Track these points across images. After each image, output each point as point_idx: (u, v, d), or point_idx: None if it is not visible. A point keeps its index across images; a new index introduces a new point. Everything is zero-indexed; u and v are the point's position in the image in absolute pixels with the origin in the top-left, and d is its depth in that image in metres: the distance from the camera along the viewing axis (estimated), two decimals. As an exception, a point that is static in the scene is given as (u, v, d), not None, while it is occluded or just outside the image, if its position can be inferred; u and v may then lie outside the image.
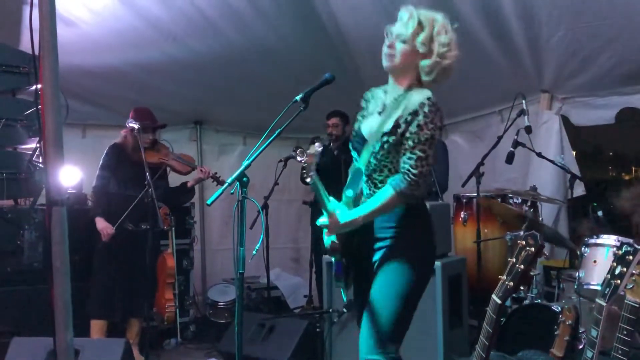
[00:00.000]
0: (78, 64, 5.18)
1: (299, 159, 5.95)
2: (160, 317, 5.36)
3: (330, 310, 4.56)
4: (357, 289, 2.91)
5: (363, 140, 2.77)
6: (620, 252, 2.23)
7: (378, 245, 2.72)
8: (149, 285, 4.89)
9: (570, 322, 2.50)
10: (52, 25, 2.20)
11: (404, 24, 2.70)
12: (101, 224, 4.83)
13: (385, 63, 2.75)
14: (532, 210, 4.53)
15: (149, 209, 4.55)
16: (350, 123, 5.88)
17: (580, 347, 2.94)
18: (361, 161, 2.73)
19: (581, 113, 5.56)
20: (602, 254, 3.63)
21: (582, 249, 3.79)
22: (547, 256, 4.39)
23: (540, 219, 4.77)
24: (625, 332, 2.20)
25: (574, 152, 5.89)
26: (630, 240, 3.46)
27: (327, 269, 4.65)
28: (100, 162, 5.00)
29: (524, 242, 2.29)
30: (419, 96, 2.62)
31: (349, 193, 2.76)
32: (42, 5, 2.17)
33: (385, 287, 2.65)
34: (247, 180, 2.78)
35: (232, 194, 2.78)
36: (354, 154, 2.86)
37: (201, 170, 5.25)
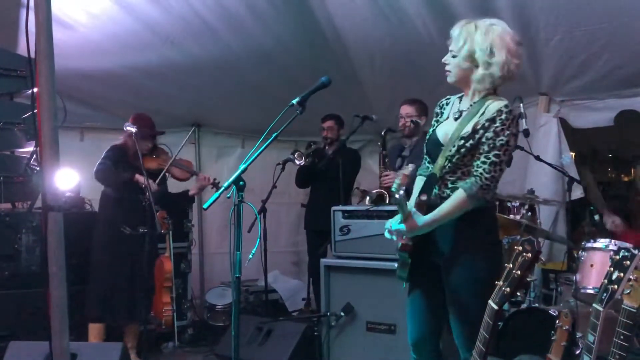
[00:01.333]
0: (76, 67, 5.18)
1: (297, 162, 6.03)
2: (157, 321, 5.35)
3: (328, 313, 4.56)
4: (416, 285, 2.97)
5: (438, 145, 2.84)
6: (617, 257, 2.23)
7: (443, 246, 2.81)
8: (147, 289, 4.89)
9: (567, 327, 2.50)
10: (49, 29, 2.20)
11: (455, 38, 2.78)
12: (142, 178, 4.74)
13: (448, 80, 2.85)
14: (529, 214, 4.52)
15: (147, 212, 4.55)
16: (345, 126, 5.88)
17: (577, 352, 2.93)
18: (436, 166, 2.80)
19: (579, 115, 5.56)
20: (599, 258, 3.63)
21: (580, 252, 3.79)
22: (543, 262, 4.39)
23: (539, 222, 4.77)
24: (622, 337, 2.19)
25: (572, 154, 5.89)
26: (628, 245, 3.46)
27: (324, 272, 4.65)
28: (102, 156, 4.95)
29: (520, 248, 2.29)
30: (496, 104, 2.71)
31: (423, 198, 2.82)
32: (38, 9, 2.17)
33: (459, 293, 2.76)
34: (243, 184, 2.79)
35: (228, 198, 2.79)
36: (426, 157, 2.96)
37: (202, 179, 5.23)
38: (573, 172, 5.24)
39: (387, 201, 4.64)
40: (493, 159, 2.66)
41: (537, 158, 4.84)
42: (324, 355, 4.60)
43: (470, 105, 2.79)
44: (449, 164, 2.75)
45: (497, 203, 4.73)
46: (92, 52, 5.14)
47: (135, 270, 4.80)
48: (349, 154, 5.95)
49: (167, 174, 5.19)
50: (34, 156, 4.37)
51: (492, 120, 2.67)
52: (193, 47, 5.28)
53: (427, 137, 2.97)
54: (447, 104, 2.98)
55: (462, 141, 2.71)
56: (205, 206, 2.82)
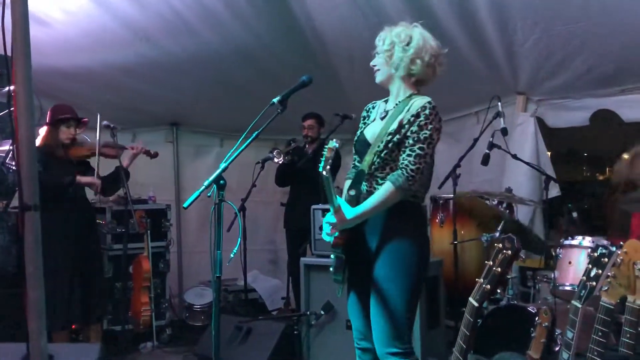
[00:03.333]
0: (52, 64, 5.12)
1: (275, 160, 6.01)
2: (135, 321, 5.31)
3: (308, 312, 4.56)
4: (352, 284, 3.04)
5: (366, 144, 2.96)
6: (595, 255, 2.25)
7: (372, 239, 2.89)
8: (102, 289, 4.81)
9: (546, 324, 2.52)
10: (25, 26, 2.18)
11: (378, 41, 3.00)
12: (85, 178, 4.68)
13: (376, 80, 3.02)
14: (507, 211, 4.56)
15: (124, 211, 4.52)
16: (326, 125, 5.88)
17: (557, 348, 2.96)
18: (364, 162, 2.92)
19: (556, 115, 5.61)
20: (577, 255, 3.67)
21: (557, 250, 3.82)
22: (523, 259, 4.43)
23: (516, 219, 4.80)
24: (600, 334, 2.22)
25: (549, 153, 5.94)
26: (605, 242, 3.50)
27: (304, 271, 4.65)
28: None
29: (500, 245, 2.31)
30: (420, 101, 2.85)
31: (352, 192, 2.92)
32: (14, 6, 2.14)
33: (390, 273, 2.82)
34: (224, 183, 2.77)
35: (209, 196, 2.77)
36: (355, 157, 3.07)
37: (132, 148, 5.02)
38: (550, 172, 5.29)
39: None
40: (418, 151, 2.78)
41: (515, 157, 4.88)
42: (304, 354, 4.59)
43: (396, 105, 2.94)
44: (378, 160, 2.87)
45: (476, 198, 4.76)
46: (69, 49, 5.09)
47: (83, 271, 4.69)
48: (329, 152, 5.94)
49: (100, 157, 4.92)
50: (10, 155, 4.30)
51: (416, 115, 2.81)
52: (171, 45, 5.24)
53: (355, 138, 3.08)
54: (373, 107, 3.13)
55: (390, 136, 2.84)
56: (185, 205, 2.80)
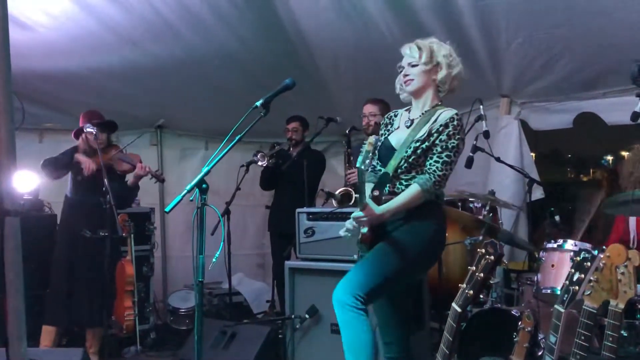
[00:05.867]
0: (35, 68, 5.09)
1: (259, 163, 5.99)
2: (119, 326, 5.27)
3: (293, 316, 4.54)
4: None
5: (391, 150, 3.13)
6: (578, 259, 2.26)
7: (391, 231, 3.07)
8: (106, 295, 4.80)
9: (529, 328, 2.53)
10: (4, 29, 2.15)
11: (407, 54, 3.15)
12: (81, 157, 4.76)
13: (409, 89, 3.17)
14: (491, 214, 4.57)
15: (107, 215, 4.47)
16: (310, 128, 5.87)
17: (540, 353, 2.97)
18: (389, 166, 3.08)
19: (539, 118, 5.65)
20: (559, 258, 3.69)
21: (540, 253, 3.84)
22: (506, 264, 4.45)
23: (500, 222, 4.82)
24: (582, 338, 2.23)
25: (533, 155, 5.97)
26: (588, 246, 3.52)
27: (289, 274, 4.63)
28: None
29: (483, 251, 2.31)
30: (448, 112, 3.06)
31: (375, 193, 3.05)
32: (-6, 9, 2.12)
33: (386, 247, 3.01)
34: (206, 187, 2.76)
35: (191, 200, 2.76)
36: (378, 162, 3.18)
37: (139, 168, 5.04)
38: (534, 174, 5.31)
39: (354, 200, 4.64)
40: (445, 158, 2.99)
41: (498, 160, 4.90)
42: (289, 358, 4.57)
43: (422, 114, 3.13)
44: (405, 164, 3.04)
45: (459, 203, 4.78)
46: (52, 53, 5.05)
47: (95, 274, 4.71)
48: (314, 155, 5.94)
49: (116, 169, 5.03)
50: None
51: (445, 125, 3.00)
52: (155, 48, 5.21)
53: (380, 144, 3.14)
54: (395, 115, 3.31)
55: (418, 143, 3.03)
56: (167, 209, 2.79)
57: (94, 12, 4.68)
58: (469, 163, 4.66)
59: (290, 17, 4.92)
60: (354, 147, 5.33)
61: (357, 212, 2.95)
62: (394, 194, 3.04)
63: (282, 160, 5.84)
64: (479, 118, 4.71)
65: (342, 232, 3.13)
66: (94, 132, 4.71)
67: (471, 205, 4.81)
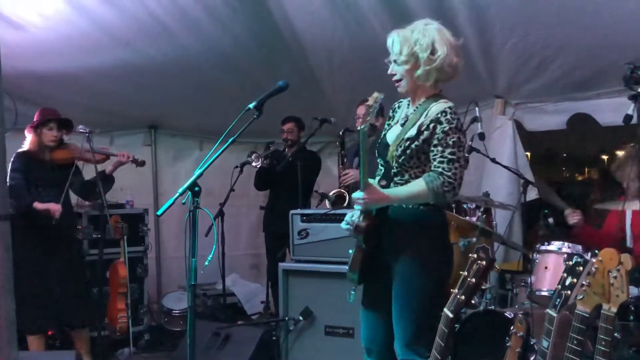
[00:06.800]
0: (28, 68, 5.07)
1: (254, 164, 5.98)
2: (112, 328, 5.26)
3: (287, 318, 4.53)
4: (369, 286, 3.01)
5: (388, 147, 2.92)
6: (570, 263, 2.26)
7: (395, 244, 2.84)
8: (84, 294, 4.78)
9: (521, 333, 2.52)
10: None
11: (390, 49, 2.89)
12: (42, 205, 4.56)
13: (400, 90, 2.94)
14: (484, 215, 4.56)
15: (100, 216, 4.46)
16: (305, 129, 5.86)
17: (532, 358, 2.96)
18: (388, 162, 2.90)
19: (533, 118, 5.65)
20: (553, 260, 3.68)
21: (534, 255, 3.83)
22: (498, 269, 4.44)
23: (494, 223, 4.81)
24: (575, 342, 2.22)
25: (528, 154, 5.97)
26: (580, 250, 3.52)
27: (283, 276, 4.63)
28: (10, 167, 4.64)
29: (475, 256, 2.30)
30: (440, 105, 2.81)
31: (383, 183, 2.89)
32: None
33: (407, 288, 2.79)
34: (199, 190, 2.74)
35: (184, 204, 2.74)
36: (379, 160, 3.00)
37: (120, 155, 4.98)
38: (528, 175, 5.31)
39: (348, 201, 4.63)
40: (450, 156, 2.73)
41: (493, 160, 4.90)
42: (283, 360, 4.58)
43: (415, 109, 2.90)
44: (396, 165, 2.85)
45: (453, 206, 4.77)
46: (45, 53, 5.03)
47: (67, 275, 4.67)
48: (309, 156, 5.93)
49: (81, 163, 4.95)
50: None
51: (437, 121, 2.77)
52: (149, 49, 5.20)
53: (379, 141, 3.05)
54: (399, 107, 3.08)
55: (408, 142, 2.81)
56: (159, 212, 2.77)
57: (87, 12, 4.66)
58: (464, 163, 4.65)
59: (284, 17, 4.92)
60: (347, 149, 5.33)
61: (357, 193, 2.77)
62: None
63: (276, 160, 5.83)
64: (475, 120, 4.70)
65: (344, 225, 2.93)
66: (87, 133, 4.70)
67: (465, 206, 4.80)
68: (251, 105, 2.88)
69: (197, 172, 2.74)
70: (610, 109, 4.94)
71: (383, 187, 2.86)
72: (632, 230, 4.18)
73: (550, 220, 4.31)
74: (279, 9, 4.83)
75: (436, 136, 2.76)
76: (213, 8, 4.76)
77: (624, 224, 4.26)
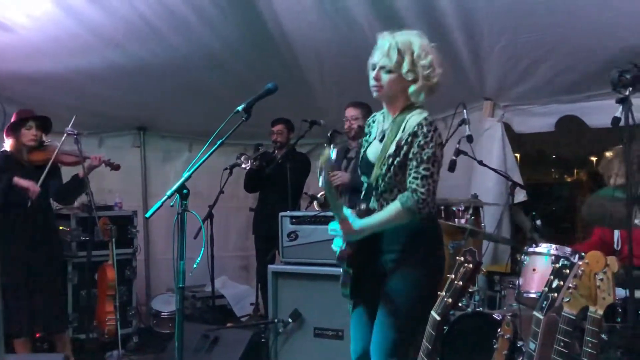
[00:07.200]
0: (16, 69, 5.07)
1: (243, 166, 5.97)
2: (100, 331, 5.24)
3: (276, 320, 4.53)
4: (360, 299, 2.97)
5: (370, 165, 2.87)
6: (557, 266, 2.27)
7: (386, 257, 2.83)
8: (62, 297, 4.72)
9: (508, 336, 2.53)
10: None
11: (384, 53, 2.77)
12: (23, 181, 4.49)
13: (374, 94, 2.85)
14: (473, 217, 4.57)
15: (89, 218, 4.44)
16: (295, 130, 5.86)
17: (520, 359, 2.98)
18: (372, 180, 2.84)
19: (522, 120, 5.66)
20: (541, 262, 3.68)
21: (522, 257, 3.84)
22: (484, 272, 4.46)
23: (483, 225, 4.82)
24: (562, 344, 2.23)
25: (517, 155, 5.99)
26: (568, 252, 3.52)
27: (272, 278, 4.62)
28: None
29: (462, 259, 2.31)
30: (416, 118, 2.76)
31: (362, 206, 2.87)
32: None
33: (395, 298, 2.77)
34: (187, 193, 2.74)
35: (172, 206, 2.73)
36: (363, 178, 2.96)
37: (92, 158, 4.87)
38: (517, 177, 5.33)
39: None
40: (423, 172, 2.70)
41: (481, 163, 4.91)
42: (272, 362, 4.57)
43: (392, 123, 2.84)
44: (382, 183, 2.80)
45: (441, 208, 4.78)
46: (33, 54, 5.02)
47: (39, 278, 4.61)
48: (298, 158, 5.93)
49: (58, 164, 4.87)
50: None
51: (414, 134, 2.72)
52: (138, 50, 5.18)
53: (360, 158, 3.00)
54: (373, 122, 3.03)
55: (390, 159, 2.76)
56: (147, 215, 2.77)
57: (75, 14, 4.65)
58: (452, 166, 4.66)
59: (273, 19, 4.91)
60: (336, 151, 5.33)
61: (334, 224, 2.78)
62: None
63: (266, 162, 5.83)
64: (463, 122, 4.72)
65: (335, 247, 2.91)
66: (75, 135, 4.67)
67: (453, 208, 4.80)
68: (240, 108, 2.87)
69: (186, 175, 2.74)
70: (598, 112, 4.95)
71: (361, 211, 2.84)
72: (619, 232, 4.20)
73: (538, 222, 4.33)
74: (269, 10, 4.83)
75: (412, 150, 2.72)
76: (202, 9, 4.75)
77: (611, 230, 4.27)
